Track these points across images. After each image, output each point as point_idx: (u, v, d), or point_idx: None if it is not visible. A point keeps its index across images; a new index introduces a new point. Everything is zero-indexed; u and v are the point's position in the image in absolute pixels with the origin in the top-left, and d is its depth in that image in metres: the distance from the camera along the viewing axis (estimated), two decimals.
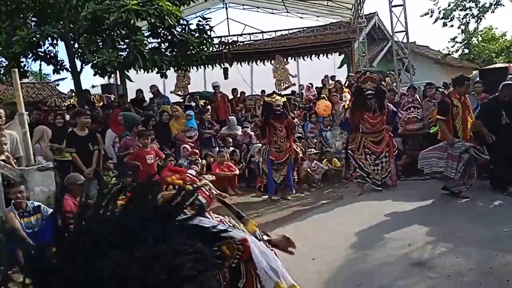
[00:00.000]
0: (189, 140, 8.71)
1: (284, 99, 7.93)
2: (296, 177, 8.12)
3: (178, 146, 8.58)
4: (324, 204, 6.94)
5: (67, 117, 7.84)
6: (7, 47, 7.38)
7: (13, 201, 4.89)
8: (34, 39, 7.19)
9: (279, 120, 7.44)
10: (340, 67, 15.59)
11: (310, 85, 13.28)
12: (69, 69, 9.55)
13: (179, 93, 14.87)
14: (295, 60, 15.84)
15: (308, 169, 8.48)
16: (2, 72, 9.81)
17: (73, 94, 11.45)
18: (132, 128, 7.67)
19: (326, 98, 10.41)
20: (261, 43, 16.28)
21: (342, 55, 15.57)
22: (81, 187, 5.59)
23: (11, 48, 7.22)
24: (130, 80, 14.12)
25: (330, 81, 12.29)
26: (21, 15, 7.57)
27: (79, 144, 6.47)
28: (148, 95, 11.09)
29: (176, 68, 10.65)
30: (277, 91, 12.26)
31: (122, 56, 7.87)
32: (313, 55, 15.64)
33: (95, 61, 7.61)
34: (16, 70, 6.00)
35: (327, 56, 15.80)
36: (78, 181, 5.54)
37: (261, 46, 16.06)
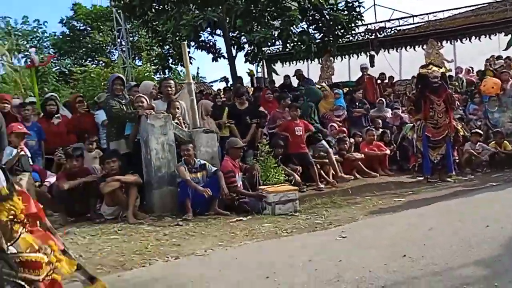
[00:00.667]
0: (337, 119, 8.60)
1: (443, 69, 7.25)
2: (457, 158, 7.35)
3: (325, 125, 8.53)
4: (493, 186, 6.12)
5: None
6: (173, 33, 8.29)
7: (183, 157, 5.40)
8: (197, 23, 7.91)
9: (437, 93, 6.81)
10: (506, 49, 13.73)
11: (470, 69, 11.99)
12: (226, 56, 10.35)
13: (323, 84, 14.89)
14: (451, 43, 14.46)
15: (472, 151, 7.60)
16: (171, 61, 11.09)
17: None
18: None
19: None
20: (411, 28, 15.28)
21: (509, 35, 13.68)
22: (240, 150, 5.95)
23: (179, 32, 8.08)
24: (276, 73, 14.65)
25: (497, 61, 10.87)
26: (187, 2, 8.43)
27: (238, 118, 7.04)
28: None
29: (322, 53, 10.66)
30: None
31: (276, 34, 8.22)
32: (473, 37, 14.06)
33: (252, 40, 8.07)
34: (185, 43, 6.69)
35: (489, 37, 14.05)
36: (237, 145, 5.90)
37: (411, 31, 15.07)
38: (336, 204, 5.70)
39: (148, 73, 16.39)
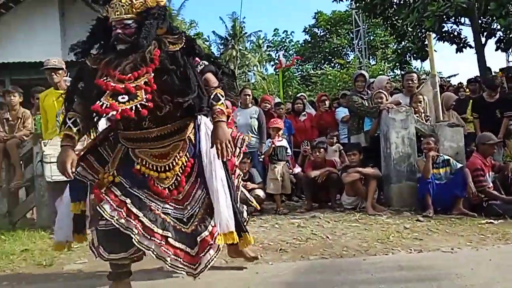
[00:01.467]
0: None
1: None
2: None
3: None
4: None
5: None
6: (415, 26, 8.02)
7: (424, 151, 5.21)
8: (442, 12, 7.45)
9: None
10: None
11: None
12: (472, 46, 9.38)
13: None
14: None
15: None
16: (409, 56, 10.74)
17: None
18: None
19: None
20: None
21: None
22: (493, 147, 5.33)
23: (421, 25, 7.79)
24: None
25: None
26: None
27: (485, 111, 6.30)
28: None
29: None
30: None
31: None
32: None
33: (508, 25, 7.06)
34: (431, 33, 6.41)
35: None
36: (489, 141, 5.30)
37: None
38: None
39: (382, 71, 16.41)
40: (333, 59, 22.28)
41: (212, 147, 2.44)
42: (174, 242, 2.33)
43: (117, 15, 2.29)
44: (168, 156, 2.48)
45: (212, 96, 2.45)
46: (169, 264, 2.29)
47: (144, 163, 2.46)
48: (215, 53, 35.15)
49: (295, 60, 15.21)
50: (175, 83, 2.32)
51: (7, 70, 7.77)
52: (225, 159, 2.48)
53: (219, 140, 2.36)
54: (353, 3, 11.60)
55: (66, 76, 4.73)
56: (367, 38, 18.65)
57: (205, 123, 2.65)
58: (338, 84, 15.28)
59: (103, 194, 2.34)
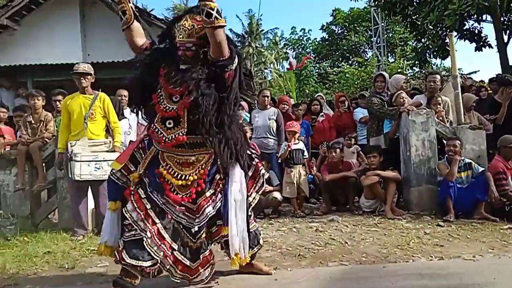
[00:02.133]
0: None
1: None
2: None
3: None
4: None
5: None
6: (436, 24, 7.88)
7: (447, 154, 5.12)
8: (464, 11, 7.30)
9: None
10: None
11: None
12: (492, 46, 9.17)
13: None
14: None
15: None
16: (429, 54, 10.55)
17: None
18: None
19: None
20: None
21: None
22: None
23: (442, 23, 7.65)
24: None
25: None
26: None
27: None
28: None
29: None
30: None
31: None
32: None
33: None
34: (453, 33, 6.29)
35: None
36: (511, 144, 5.19)
37: None
38: None
39: (400, 69, 16.18)
40: (350, 57, 22.06)
41: (236, 181, 2.70)
42: (178, 254, 2.58)
43: (180, 38, 2.56)
44: (192, 166, 2.61)
45: None
46: (167, 270, 2.59)
47: (168, 168, 2.60)
48: None
49: (305, 60, 15.06)
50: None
51: (29, 72, 7.91)
52: (251, 199, 2.86)
53: None
54: (372, 1, 11.44)
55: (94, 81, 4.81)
56: (385, 36, 18.40)
57: None
58: (356, 82, 15.14)
59: (130, 193, 2.60)
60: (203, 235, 2.64)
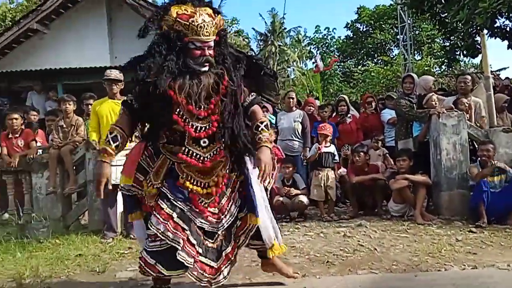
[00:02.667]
0: None
1: None
2: None
3: None
4: None
5: None
6: (466, 23, 7.63)
7: (480, 158, 4.97)
8: (495, 9, 7.04)
9: None
10: None
11: None
12: None
13: None
14: None
15: None
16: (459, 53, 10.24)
17: None
18: None
19: None
20: None
21: None
22: None
23: (472, 21, 7.41)
24: None
25: None
26: None
27: None
28: None
29: None
30: None
31: None
32: None
33: None
34: (484, 33, 6.11)
35: None
36: None
37: None
38: None
39: (427, 67, 15.83)
40: (376, 55, 21.71)
41: (254, 168, 2.54)
42: (203, 258, 2.50)
43: (206, 36, 2.34)
44: (211, 173, 2.54)
45: (260, 127, 2.59)
46: (196, 277, 2.48)
47: (189, 178, 2.52)
48: (255, 50, 35.48)
49: (333, 62, 14.86)
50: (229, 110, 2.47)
51: (58, 75, 8.11)
52: (266, 183, 2.63)
53: (263, 162, 2.46)
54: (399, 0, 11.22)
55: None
56: (412, 33, 18.05)
57: None
58: (381, 81, 14.88)
59: (151, 208, 2.50)
60: (222, 233, 2.58)
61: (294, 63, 33.27)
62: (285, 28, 33.94)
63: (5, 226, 5.17)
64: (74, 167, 5.32)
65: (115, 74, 4.74)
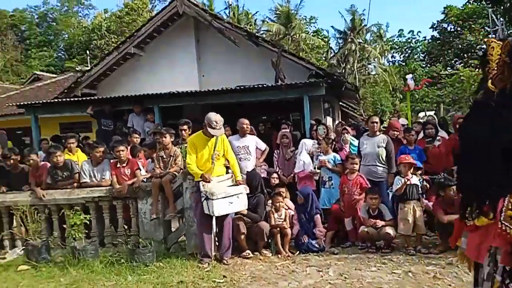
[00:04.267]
0: None
1: None
2: None
3: None
4: None
5: None
6: None
7: None
8: None
9: None
10: None
11: None
12: None
13: None
14: None
15: None
16: None
17: None
18: None
19: None
20: None
21: None
22: None
23: None
24: None
25: None
26: None
27: None
28: None
29: None
30: None
31: None
32: None
33: None
34: None
35: None
36: None
37: None
38: None
39: None
40: (465, 57, 20.28)
41: None
42: None
43: None
44: None
45: None
46: None
47: None
48: (334, 48, 35.07)
49: (424, 83, 14.15)
50: None
51: (155, 99, 8.88)
52: None
53: None
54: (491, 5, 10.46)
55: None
56: (505, 33, 16.68)
57: None
58: (472, 86, 13.85)
59: None
60: None
61: (375, 60, 32.39)
62: (365, 25, 33.14)
63: (116, 247, 5.85)
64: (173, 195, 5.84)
65: (220, 122, 5.18)
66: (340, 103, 13.67)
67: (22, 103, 10.11)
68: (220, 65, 10.81)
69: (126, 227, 5.74)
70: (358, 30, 33.32)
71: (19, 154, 6.43)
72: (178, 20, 11.20)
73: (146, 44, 11.48)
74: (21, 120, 11.78)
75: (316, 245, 5.60)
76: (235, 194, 5.20)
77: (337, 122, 11.26)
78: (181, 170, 5.87)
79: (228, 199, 5.12)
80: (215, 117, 5.18)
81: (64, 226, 5.80)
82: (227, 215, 5.33)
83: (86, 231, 5.69)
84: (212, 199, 5.03)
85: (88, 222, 5.71)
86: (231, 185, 5.32)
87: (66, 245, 5.79)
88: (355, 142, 7.17)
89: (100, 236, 5.98)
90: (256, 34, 12.35)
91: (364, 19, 30.40)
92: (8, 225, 6.17)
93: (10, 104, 11.52)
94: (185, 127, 6.69)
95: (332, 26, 46.02)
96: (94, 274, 4.99)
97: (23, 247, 5.88)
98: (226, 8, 32.78)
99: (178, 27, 11.33)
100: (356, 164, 6.01)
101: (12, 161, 6.28)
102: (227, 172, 5.55)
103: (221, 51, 10.81)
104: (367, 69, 34.71)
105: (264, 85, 8.70)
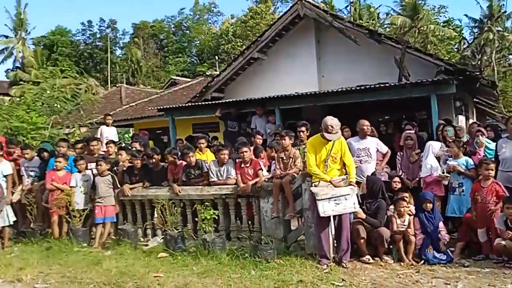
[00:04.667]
0: None
1: None
2: None
3: None
4: None
5: None
6: None
7: None
8: None
9: None
10: None
11: None
12: None
13: None
14: None
15: None
16: None
17: None
18: None
19: None
20: None
21: None
22: None
23: None
24: None
25: None
26: None
27: None
28: None
29: None
30: None
31: None
32: None
33: None
34: None
35: None
36: None
37: None
38: None
39: None
40: None
41: None
42: None
43: None
44: None
45: None
46: None
47: None
48: (468, 38, 32.02)
49: None
50: None
51: (276, 101, 9.22)
52: None
53: None
54: None
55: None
56: None
57: None
58: None
59: None
60: None
61: None
62: (504, 11, 29.64)
63: (241, 241, 6.27)
64: (292, 195, 6.03)
65: (336, 129, 5.23)
66: (475, 99, 12.48)
67: (161, 107, 11.40)
68: (341, 65, 10.72)
69: (249, 223, 6.12)
70: (496, 17, 29.96)
71: (160, 154, 7.30)
72: (299, 22, 11.42)
73: (268, 48, 11.93)
74: (159, 121, 13.21)
75: (444, 258, 5.28)
76: (343, 195, 5.17)
77: (470, 121, 10.31)
78: (300, 172, 6.02)
79: (335, 200, 5.14)
80: (331, 122, 5.21)
81: (196, 219, 6.41)
82: (343, 217, 5.33)
83: (215, 225, 6.19)
84: (318, 200, 5.13)
85: (216, 217, 6.21)
86: (343, 187, 5.30)
87: (198, 236, 6.39)
88: (492, 145, 6.53)
89: (227, 230, 6.47)
90: (379, 29, 11.96)
91: (504, 5, 27.24)
92: (150, 216, 7.06)
93: (152, 108, 13.20)
94: (303, 128, 6.83)
95: (466, 15, 42.03)
96: (222, 265, 5.42)
97: (162, 236, 6.65)
98: (347, 6, 32.22)
99: (299, 29, 11.54)
100: (492, 170, 5.48)
101: (154, 159, 7.16)
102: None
103: (342, 50, 10.72)
104: (507, 60, 31.04)
105: (386, 84, 8.39)
